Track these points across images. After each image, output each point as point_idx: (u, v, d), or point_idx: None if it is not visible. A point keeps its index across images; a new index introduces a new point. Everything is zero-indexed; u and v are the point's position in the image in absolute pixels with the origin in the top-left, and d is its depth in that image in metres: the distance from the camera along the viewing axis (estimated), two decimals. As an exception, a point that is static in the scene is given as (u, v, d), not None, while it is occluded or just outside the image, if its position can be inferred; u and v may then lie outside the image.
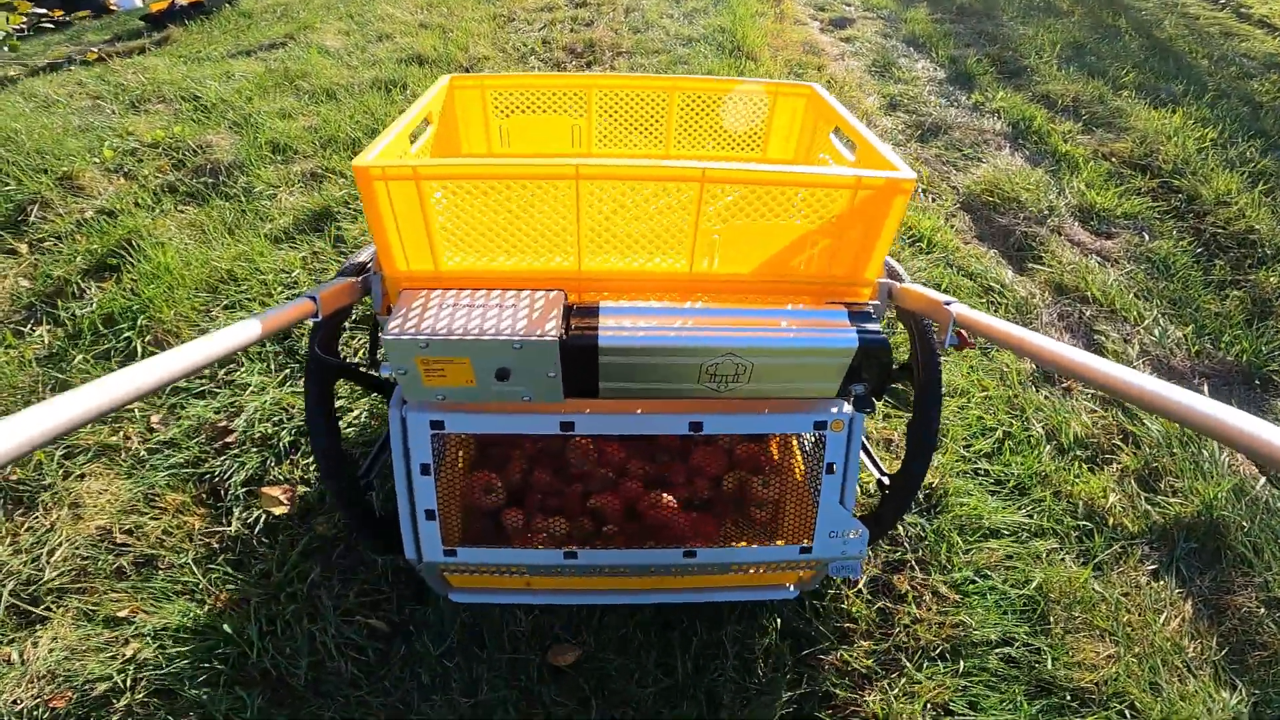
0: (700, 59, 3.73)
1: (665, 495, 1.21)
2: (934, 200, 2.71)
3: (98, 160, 2.71)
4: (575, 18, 4.51)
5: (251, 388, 1.72)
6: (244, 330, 0.69)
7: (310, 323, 0.89)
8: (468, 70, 3.66)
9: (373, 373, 1.14)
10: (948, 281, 2.20)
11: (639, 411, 1.00)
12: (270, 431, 1.61)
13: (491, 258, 0.93)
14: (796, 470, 1.22)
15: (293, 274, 2.12)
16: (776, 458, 1.32)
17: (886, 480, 1.23)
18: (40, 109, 3.15)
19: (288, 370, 1.78)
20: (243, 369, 1.78)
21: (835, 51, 4.21)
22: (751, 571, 1.18)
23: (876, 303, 0.99)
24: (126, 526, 1.43)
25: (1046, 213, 2.59)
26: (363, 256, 1.12)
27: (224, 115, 3.11)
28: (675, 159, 1.42)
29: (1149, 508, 1.55)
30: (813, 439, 1.11)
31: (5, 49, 3.89)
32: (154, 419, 1.64)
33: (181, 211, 2.46)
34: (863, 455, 1.28)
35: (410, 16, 4.46)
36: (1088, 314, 2.13)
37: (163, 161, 2.74)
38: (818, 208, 0.90)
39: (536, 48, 3.95)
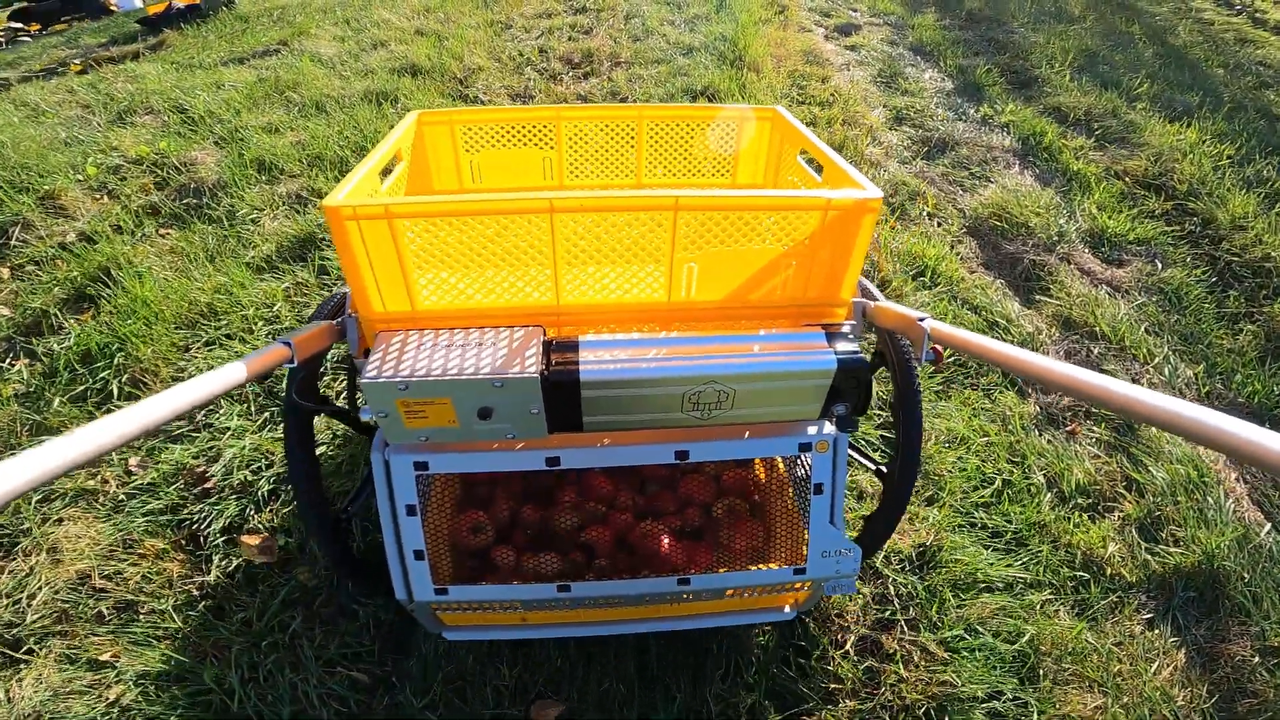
0: (700, 70, 3.80)
1: (655, 524, 1.25)
2: (940, 225, 2.68)
3: (81, 178, 2.77)
4: (574, 25, 4.56)
5: (231, 431, 1.75)
6: (223, 376, 0.73)
7: (287, 368, 0.93)
8: (462, 81, 3.76)
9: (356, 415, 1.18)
10: (951, 317, 2.18)
11: (625, 444, 1.04)
12: (250, 479, 1.64)
13: (469, 296, 0.98)
14: (785, 493, 1.26)
15: (274, 307, 2.12)
16: (763, 480, 1.36)
17: (885, 470, 1.26)
18: (29, 118, 3.26)
19: (267, 414, 1.81)
20: (221, 412, 1.81)
21: (840, 61, 4.21)
22: (747, 595, 1.21)
23: (853, 322, 1.04)
24: (106, 571, 1.46)
25: (1056, 239, 2.58)
26: (335, 301, 1.16)
27: (211, 129, 3.16)
28: (647, 188, 1.48)
29: (1149, 557, 1.55)
30: (798, 461, 1.15)
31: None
32: (132, 461, 1.68)
33: (163, 236, 2.48)
34: (855, 454, 1.31)
35: (407, 22, 4.55)
36: (1096, 351, 2.12)
37: (146, 180, 2.78)
38: (790, 230, 0.95)
39: (533, 57, 4.03)
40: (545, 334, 0.98)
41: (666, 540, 1.24)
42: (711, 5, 5.01)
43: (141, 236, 2.47)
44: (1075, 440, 1.83)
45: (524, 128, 1.43)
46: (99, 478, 1.65)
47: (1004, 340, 1.94)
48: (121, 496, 1.60)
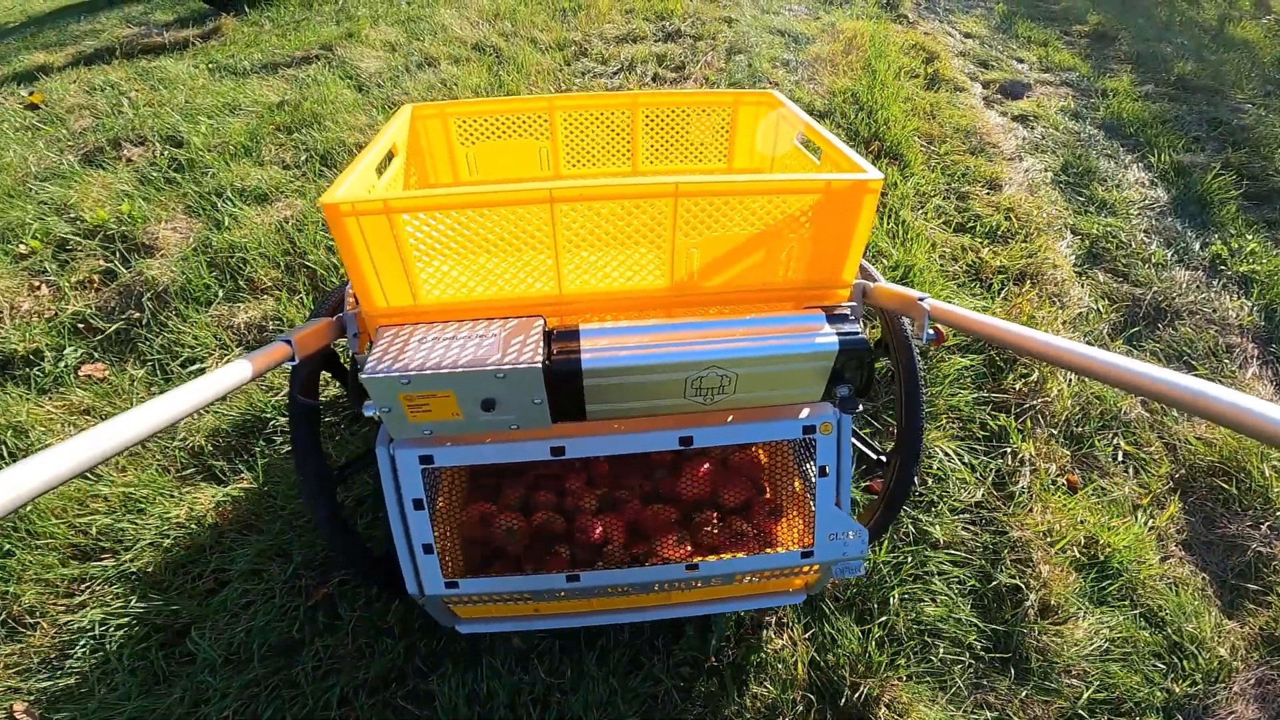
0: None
1: (666, 509, 1.24)
2: (1139, 472, 1.79)
3: (24, 250, 2.19)
4: (662, 57, 3.55)
5: None
6: (227, 376, 0.72)
7: (289, 366, 0.91)
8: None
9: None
10: (1123, 634, 1.45)
11: (629, 431, 1.02)
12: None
13: (470, 288, 0.96)
14: (790, 475, 1.25)
15: (197, 537, 1.49)
16: (766, 463, 1.35)
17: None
18: (21, 133, 2.85)
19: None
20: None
21: (1010, 144, 3.10)
22: (756, 579, 1.20)
23: (854, 304, 1.03)
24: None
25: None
26: (334, 298, 1.14)
27: (192, 183, 2.55)
28: (645, 175, 1.45)
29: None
30: (803, 444, 1.13)
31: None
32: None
33: (83, 382, 1.82)
34: (854, 442, 1.33)
35: (469, 32, 3.84)
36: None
37: (95, 263, 2.18)
38: (790, 213, 0.94)
39: (607, 101, 3.33)
40: (547, 324, 0.96)
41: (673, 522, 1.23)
42: (839, 45, 3.74)
43: (59, 375, 1.83)
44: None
45: (518, 119, 1.40)
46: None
47: (1186, 683, 1.37)
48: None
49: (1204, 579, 1.59)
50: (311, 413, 1.07)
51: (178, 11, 4.50)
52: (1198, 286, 2.36)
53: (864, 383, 0.99)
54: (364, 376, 0.86)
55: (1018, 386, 1.89)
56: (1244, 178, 2.91)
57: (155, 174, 2.63)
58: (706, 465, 1.33)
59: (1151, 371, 0.57)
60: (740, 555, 1.14)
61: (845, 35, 3.89)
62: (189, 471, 1.64)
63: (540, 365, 0.86)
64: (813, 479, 1.08)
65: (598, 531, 1.24)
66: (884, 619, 1.41)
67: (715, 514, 1.27)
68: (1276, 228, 2.66)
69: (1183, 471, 1.79)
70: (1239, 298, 2.33)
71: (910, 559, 1.50)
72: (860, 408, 1.03)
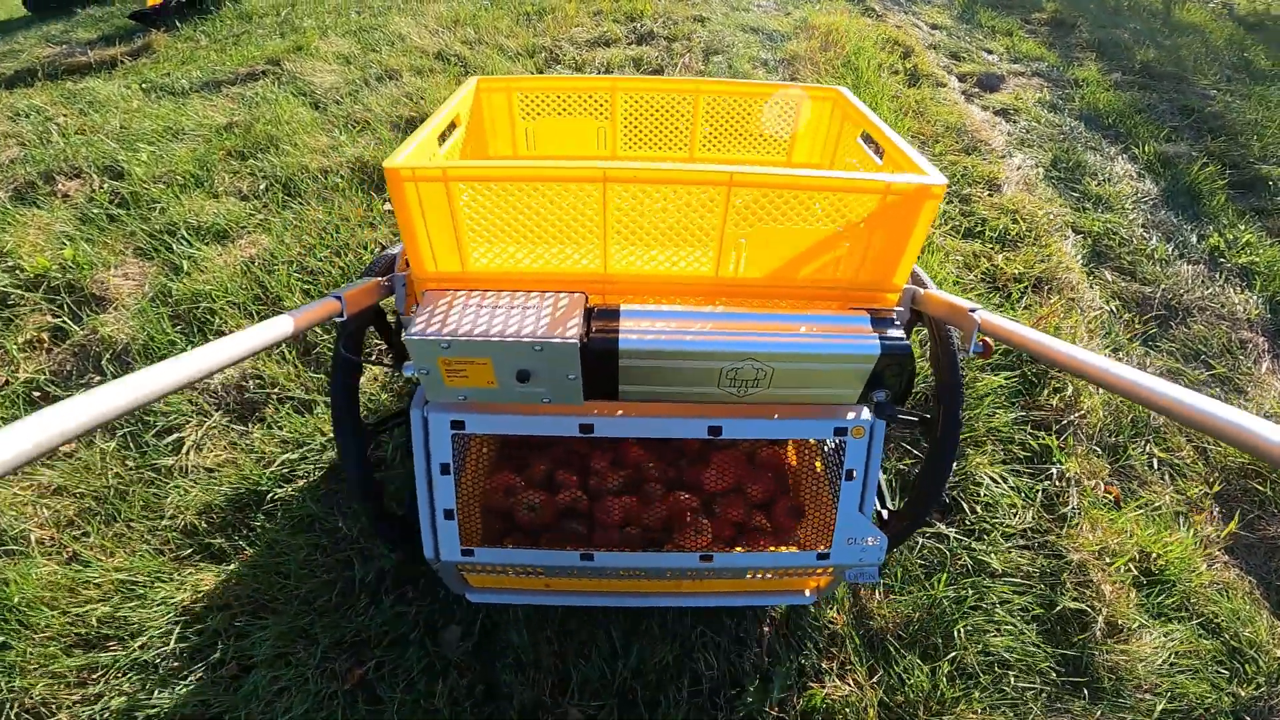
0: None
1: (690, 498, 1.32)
2: (1175, 478, 1.91)
3: None
4: (639, 60, 3.76)
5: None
6: (273, 328, 0.80)
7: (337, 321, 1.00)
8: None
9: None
10: (1187, 646, 1.58)
11: (659, 415, 1.09)
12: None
13: (517, 259, 1.03)
14: (815, 475, 1.30)
15: (206, 621, 1.48)
16: (794, 462, 1.41)
17: (886, 514, 1.31)
18: None
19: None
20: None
21: (999, 141, 3.32)
22: (768, 576, 1.26)
23: (900, 309, 1.06)
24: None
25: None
26: (386, 258, 1.25)
27: (141, 220, 2.46)
28: (701, 162, 1.53)
29: None
30: (833, 445, 1.18)
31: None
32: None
33: (48, 458, 1.76)
34: None
35: (428, 40, 3.88)
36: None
37: (42, 320, 2.10)
38: (845, 212, 0.97)
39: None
40: (588, 301, 1.02)
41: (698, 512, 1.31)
42: (815, 42, 4.03)
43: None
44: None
45: (580, 97, 1.49)
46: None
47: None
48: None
49: (1250, 583, 1.72)
50: (353, 368, 1.18)
51: (101, 29, 4.45)
52: (1202, 281, 2.52)
53: (903, 389, 1.02)
54: (407, 337, 0.94)
55: (1054, 402, 1.98)
56: (1226, 166, 3.19)
57: (96, 211, 2.50)
58: (733, 456, 1.40)
59: (1224, 413, 0.58)
60: (756, 551, 1.20)
61: (820, 31, 4.13)
62: (186, 551, 1.59)
63: (578, 341, 0.93)
64: (838, 481, 1.12)
65: (618, 513, 1.31)
66: (952, 654, 1.47)
67: (736, 506, 1.33)
68: (1266, 216, 2.91)
69: (1216, 475, 1.91)
70: (1243, 291, 2.50)
71: (970, 591, 1.57)
72: (895, 416, 1.17)
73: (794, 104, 1.49)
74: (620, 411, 1.10)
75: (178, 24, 4.36)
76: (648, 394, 1.03)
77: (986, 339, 0.90)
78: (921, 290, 1.08)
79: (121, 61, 3.87)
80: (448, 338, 0.95)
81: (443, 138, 1.26)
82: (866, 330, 1.00)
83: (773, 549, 1.24)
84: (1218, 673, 1.53)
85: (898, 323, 1.03)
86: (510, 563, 1.18)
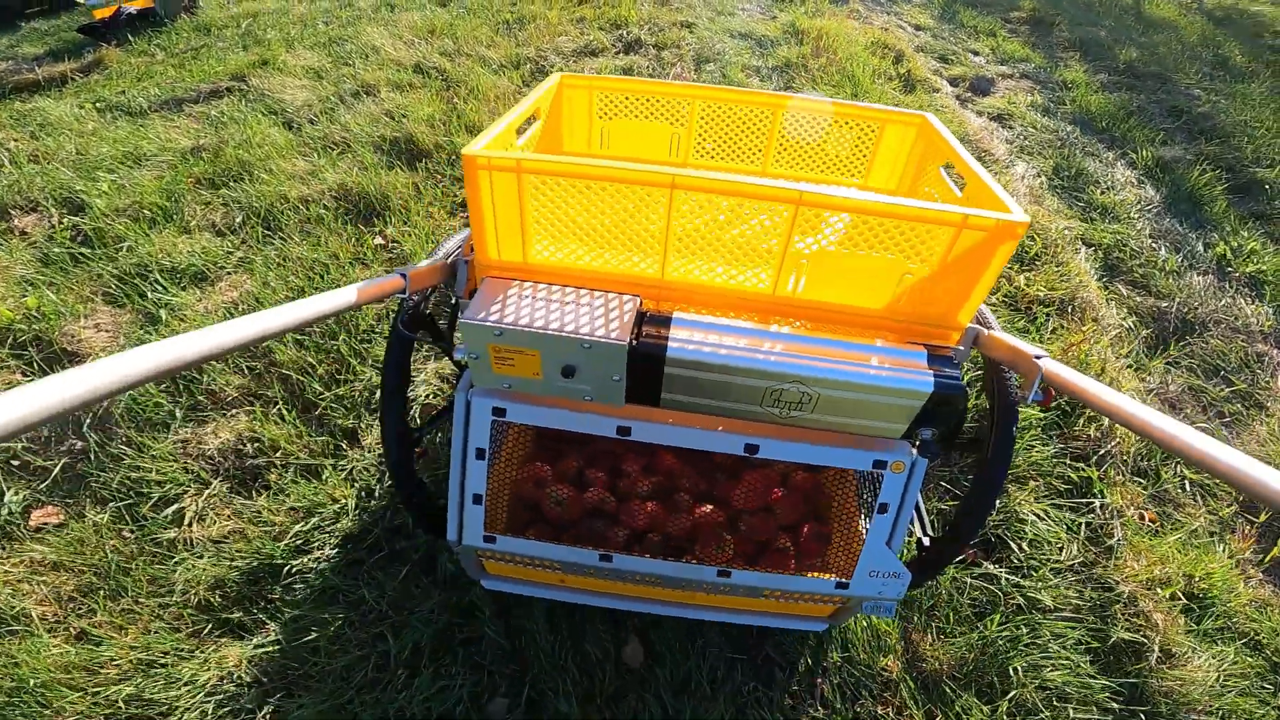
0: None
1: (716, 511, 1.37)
2: (1205, 498, 2.06)
3: None
4: (628, 70, 3.84)
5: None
6: (340, 297, 0.88)
7: (399, 298, 1.10)
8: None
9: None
10: (1238, 667, 1.71)
11: (696, 426, 1.15)
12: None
13: (577, 256, 1.09)
14: (847, 502, 1.35)
15: (241, 699, 1.49)
16: (827, 486, 1.45)
17: (928, 541, 1.34)
18: None
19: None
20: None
21: (1000, 149, 3.46)
22: (785, 599, 1.30)
23: (960, 348, 1.07)
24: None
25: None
26: (451, 243, 1.35)
27: (108, 260, 2.37)
28: (772, 177, 1.55)
29: None
30: (869, 476, 1.21)
31: None
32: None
33: (37, 534, 1.72)
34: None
35: (404, 52, 3.89)
36: None
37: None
38: (917, 243, 0.98)
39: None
40: (642, 305, 1.08)
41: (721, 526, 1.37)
42: (806, 48, 4.18)
43: (4, 531, 1.73)
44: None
45: (659, 100, 1.57)
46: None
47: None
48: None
49: (1286, 598, 1.71)
50: (407, 343, 1.28)
51: (48, 44, 4.39)
52: (1214, 293, 2.64)
53: (951, 430, 1.03)
54: (463, 320, 1.01)
55: (1090, 432, 2.04)
56: (1223, 170, 3.34)
57: (58, 251, 2.38)
58: (765, 475, 1.45)
59: None
60: (775, 572, 1.23)
61: (810, 36, 4.27)
62: (204, 627, 1.57)
63: (626, 343, 0.98)
64: (870, 512, 1.14)
65: (643, 518, 1.37)
66: (1010, 692, 1.53)
67: (762, 526, 1.39)
68: (1266, 221, 3.06)
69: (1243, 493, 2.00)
70: (1254, 301, 2.63)
71: (1024, 629, 1.63)
72: (939, 455, 1.16)
73: (877, 127, 1.53)
74: (659, 418, 1.15)
75: (130, 38, 4.28)
76: (689, 404, 1.07)
77: (1049, 389, 0.90)
78: (985, 330, 1.09)
79: (72, 78, 3.80)
80: (500, 325, 1.02)
81: (519, 131, 1.34)
82: (921, 366, 1.02)
83: (793, 573, 1.28)
84: (1263, 687, 1.65)
85: (955, 362, 1.04)
86: (530, 554, 1.26)
